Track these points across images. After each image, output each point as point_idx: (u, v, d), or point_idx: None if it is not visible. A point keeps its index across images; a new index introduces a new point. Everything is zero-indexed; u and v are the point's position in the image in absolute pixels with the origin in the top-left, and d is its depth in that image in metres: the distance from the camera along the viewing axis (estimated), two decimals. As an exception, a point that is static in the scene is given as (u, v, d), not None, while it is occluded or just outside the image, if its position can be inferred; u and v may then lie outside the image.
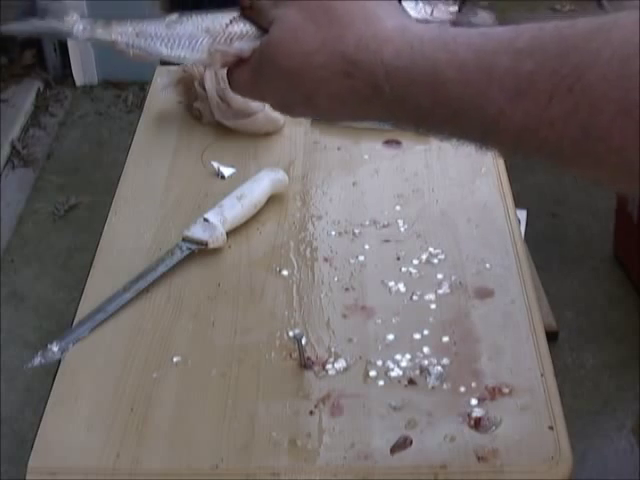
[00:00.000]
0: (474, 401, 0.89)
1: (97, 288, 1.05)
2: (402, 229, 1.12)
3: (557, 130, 0.53)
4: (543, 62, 0.54)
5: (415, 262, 1.07)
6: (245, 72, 0.72)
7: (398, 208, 1.16)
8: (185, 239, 1.09)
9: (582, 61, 0.52)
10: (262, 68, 0.70)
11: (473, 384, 0.90)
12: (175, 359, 0.95)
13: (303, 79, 0.66)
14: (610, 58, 0.50)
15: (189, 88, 1.34)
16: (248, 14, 0.73)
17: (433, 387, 0.91)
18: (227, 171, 1.24)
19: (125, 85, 3.34)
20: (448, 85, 0.58)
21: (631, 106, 0.49)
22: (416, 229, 1.12)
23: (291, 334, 0.97)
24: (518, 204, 1.20)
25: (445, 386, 0.91)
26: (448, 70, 0.58)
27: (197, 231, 1.09)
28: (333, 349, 0.95)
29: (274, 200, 1.17)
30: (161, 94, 1.37)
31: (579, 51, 0.52)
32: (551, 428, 0.86)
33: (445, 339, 0.96)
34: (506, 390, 0.90)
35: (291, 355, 0.95)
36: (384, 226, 1.13)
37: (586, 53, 0.52)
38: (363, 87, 0.62)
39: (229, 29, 0.74)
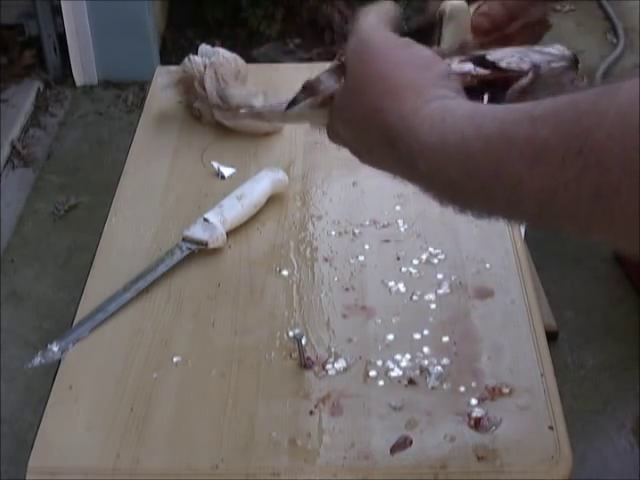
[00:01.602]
0: (474, 401, 0.89)
1: (97, 288, 1.05)
2: (402, 229, 1.12)
3: (572, 192, 0.54)
4: (556, 127, 0.55)
5: (415, 262, 1.07)
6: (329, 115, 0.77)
7: (398, 208, 1.16)
8: (185, 239, 1.09)
9: (590, 123, 0.53)
10: (337, 112, 0.74)
11: (473, 384, 0.90)
12: (175, 359, 0.95)
13: (361, 137, 0.71)
14: (614, 117, 0.52)
15: (189, 88, 1.34)
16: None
17: (433, 387, 0.91)
18: (227, 171, 1.24)
19: (125, 85, 3.34)
20: (475, 157, 0.60)
21: (633, 164, 0.51)
22: (416, 229, 1.12)
23: (291, 334, 0.97)
24: (518, 204, 1.20)
25: (445, 386, 0.91)
26: (475, 143, 0.60)
27: (197, 231, 1.09)
28: (333, 349, 0.95)
29: (274, 200, 1.17)
30: (161, 94, 1.37)
31: (588, 114, 0.54)
32: (551, 428, 0.86)
33: (445, 339, 0.96)
34: (506, 390, 0.90)
35: (291, 355, 0.95)
36: (384, 226, 1.13)
37: (594, 115, 0.53)
38: (403, 159, 0.66)
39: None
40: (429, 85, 0.67)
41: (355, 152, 0.75)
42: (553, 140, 0.55)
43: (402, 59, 0.69)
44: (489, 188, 0.60)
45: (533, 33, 0.87)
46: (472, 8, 0.84)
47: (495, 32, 0.84)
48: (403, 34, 0.82)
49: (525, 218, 0.62)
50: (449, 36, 0.83)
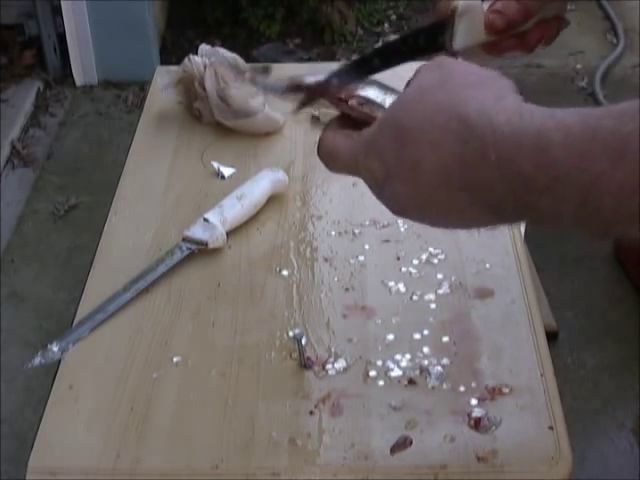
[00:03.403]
0: (474, 401, 0.89)
1: (97, 288, 1.05)
2: (402, 229, 1.12)
3: None
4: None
5: (415, 262, 1.07)
6: (363, 134, 0.71)
7: (398, 208, 1.16)
8: (185, 239, 1.09)
9: None
10: (381, 127, 0.69)
11: (473, 384, 0.90)
12: (175, 359, 0.95)
13: (418, 140, 0.65)
14: None
15: (189, 88, 1.34)
16: None
17: (433, 387, 0.91)
18: (227, 171, 1.24)
19: (125, 85, 3.34)
20: (552, 148, 0.59)
21: None
22: (416, 229, 1.12)
23: (291, 334, 0.97)
24: (518, 204, 1.20)
25: (445, 386, 0.91)
26: (554, 134, 0.59)
27: (197, 231, 1.09)
28: (333, 349, 0.95)
29: (274, 200, 1.17)
30: (161, 94, 1.37)
31: None
32: (551, 428, 0.86)
33: (445, 339, 0.96)
34: (506, 390, 0.90)
35: (291, 355, 0.95)
36: (384, 226, 1.13)
37: None
38: (471, 155, 0.63)
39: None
40: (504, 87, 0.66)
41: (387, 174, 0.69)
42: (638, 136, 0.55)
43: (477, 69, 0.68)
44: (564, 182, 0.59)
45: (549, 30, 0.85)
46: (486, 5, 0.82)
47: (510, 30, 0.83)
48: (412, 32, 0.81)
49: (597, 219, 0.60)
50: (462, 35, 0.81)
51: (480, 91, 0.65)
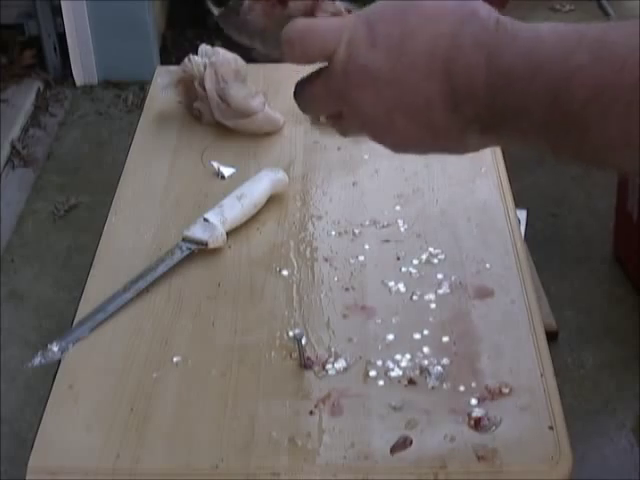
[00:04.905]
0: (474, 401, 0.89)
1: (97, 288, 1.05)
2: (402, 229, 1.12)
3: (628, 94, 0.58)
4: (627, 35, 0.59)
5: (415, 262, 1.07)
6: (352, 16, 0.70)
7: (398, 208, 1.16)
8: (185, 239, 1.09)
9: None
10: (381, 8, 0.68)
11: (473, 384, 0.90)
12: (175, 359, 0.95)
13: (411, 43, 0.65)
14: None
15: (189, 88, 1.34)
16: None
17: (433, 387, 0.91)
18: (227, 171, 1.24)
19: (125, 85, 3.34)
20: (544, 47, 0.62)
21: None
22: (416, 229, 1.12)
23: (291, 334, 0.97)
24: (518, 204, 1.20)
25: (445, 386, 0.91)
26: (547, 36, 0.63)
27: (197, 231, 1.09)
28: (333, 349, 0.95)
29: (274, 200, 1.17)
30: (161, 94, 1.37)
31: None
32: (551, 428, 0.86)
33: (445, 339, 0.96)
34: (506, 390, 0.90)
35: (291, 355, 0.95)
36: (384, 226, 1.13)
37: None
38: (468, 36, 0.64)
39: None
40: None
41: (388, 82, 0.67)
42: (620, 45, 0.59)
43: None
44: (543, 71, 0.61)
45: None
46: None
47: None
48: None
49: (565, 122, 0.62)
50: None
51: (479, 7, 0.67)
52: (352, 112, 0.70)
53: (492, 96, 0.64)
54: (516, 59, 0.63)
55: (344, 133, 0.76)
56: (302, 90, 0.73)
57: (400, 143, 0.71)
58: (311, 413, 0.89)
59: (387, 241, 1.10)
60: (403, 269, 1.06)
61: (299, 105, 0.74)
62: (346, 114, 0.71)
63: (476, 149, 0.70)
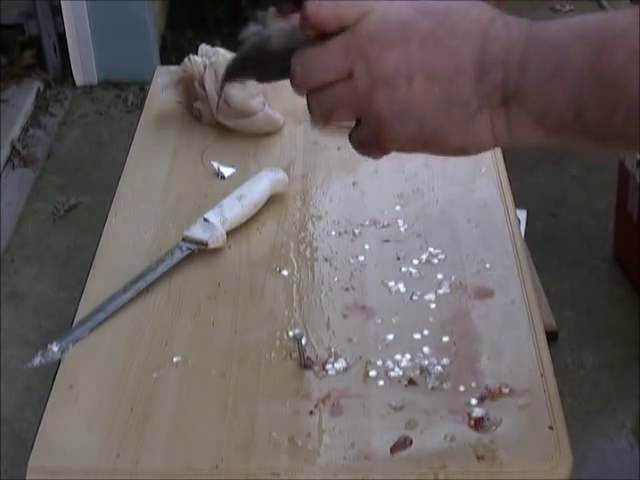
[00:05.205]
0: (474, 401, 0.89)
1: (97, 288, 1.05)
2: (402, 229, 1.12)
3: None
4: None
5: (415, 262, 1.07)
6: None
7: (398, 208, 1.16)
8: (185, 239, 1.09)
9: None
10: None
11: (473, 384, 0.90)
12: (175, 359, 0.95)
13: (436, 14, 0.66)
14: None
15: (189, 88, 1.34)
16: None
17: (433, 387, 0.91)
18: (227, 171, 1.24)
19: (125, 85, 3.34)
20: (589, 19, 0.64)
21: None
22: (416, 229, 1.12)
23: (291, 334, 0.97)
24: (518, 204, 1.20)
25: (445, 386, 0.91)
26: (593, 15, 0.64)
27: (197, 231, 1.09)
28: (333, 349, 0.95)
29: (274, 200, 1.17)
30: (161, 94, 1.37)
31: None
32: (551, 428, 0.86)
33: (445, 339, 0.96)
34: (506, 390, 0.90)
35: (291, 355, 0.95)
36: (384, 226, 1.13)
37: None
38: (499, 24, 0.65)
39: None
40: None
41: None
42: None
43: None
44: (593, 36, 0.62)
45: None
46: None
47: None
48: None
49: (605, 81, 0.63)
50: None
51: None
52: (367, 72, 0.66)
53: (529, 58, 0.64)
54: (560, 27, 0.64)
55: (343, 97, 0.68)
56: (307, 53, 0.68)
57: (407, 115, 0.67)
58: (311, 413, 0.89)
59: (387, 241, 1.10)
60: (403, 269, 1.06)
61: (298, 71, 0.68)
62: (358, 74, 0.66)
63: (479, 140, 0.68)
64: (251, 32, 0.73)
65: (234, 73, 0.77)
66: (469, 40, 0.65)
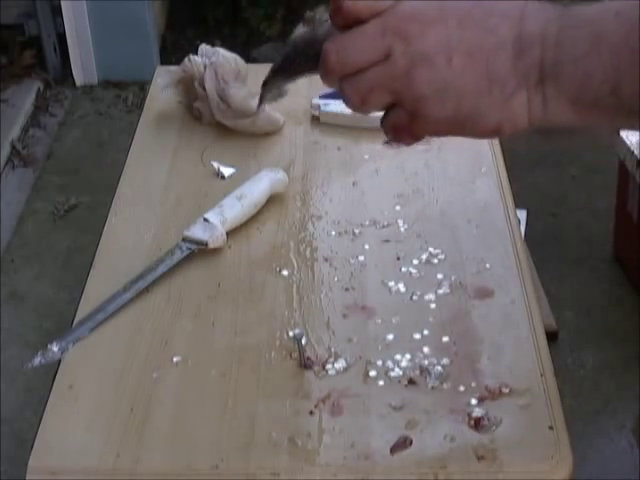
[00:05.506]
0: (474, 401, 0.89)
1: (97, 288, 1.05)
2: (402, 229, 1.12)
3: None
4: None
5: (415, 262, 1.07)
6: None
7: (398, 208, 1.16)
8: (185, 239, 1.09)
9: None
10: None
11: (473, 384, 0.90)
12: (175, 359, 0.95)
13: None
14: None
15: (189, 88, 1.34)
16: None
17: (433, 387, 0.91)
18: (227, 171, 1.24)
19: (125, 85, 3.34)
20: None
21: None
22: (416, 229, 1.12)
23: (291, 334, 0.97)
24: (518, 204, 1.20)
25: (445, 386, 0.91)
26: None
27: (197, 231, 1.09)
28: (333, 349, 0.95)
29: (274, 200, 1.17)
30: (161, 94, 1.37)
31: None
32: (551, 428, 0.86)
33: (445, 339, 0.96)
34: (506, 390, 0.90)
35: (291, 355, 0.95)
36: (384, 226, 1.13)
37: None
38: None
39: None
40: None
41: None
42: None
43: None
44: (630, 12, 0.63)
45: None
46: None
47: None
48: None
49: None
50: None
51: None
52: (406, 51, 0.66)
53: (565, 35, 0.64)
54: (596, 5, 0.65)
55: (380, 79, 0.67)
56: (341, 38, 0.68)
57: (446, 93, 0.66)
58: (311, 413, 0.89)
59: (387, 241, 1.10)
60: (403, 269, 1.06)
61: (332, 58, 0.68)
62: (397, 54, 0.66)
63: (516, 120, 0.67)
64: (299, 33, 0.73)
65: (284, 67, 0.76)
66: (507, 19, 0.65)
